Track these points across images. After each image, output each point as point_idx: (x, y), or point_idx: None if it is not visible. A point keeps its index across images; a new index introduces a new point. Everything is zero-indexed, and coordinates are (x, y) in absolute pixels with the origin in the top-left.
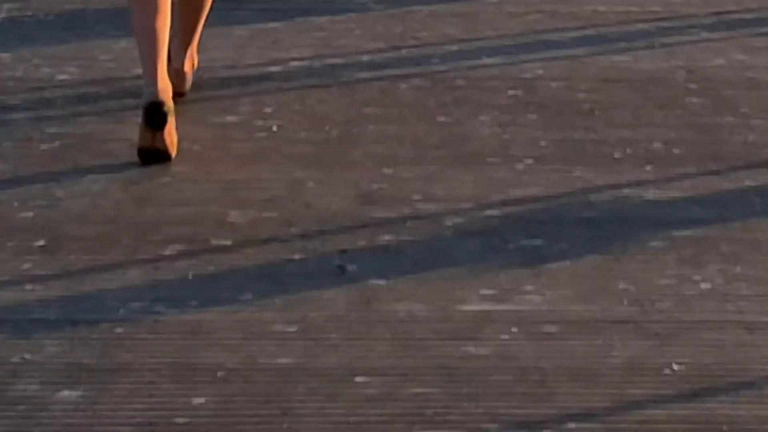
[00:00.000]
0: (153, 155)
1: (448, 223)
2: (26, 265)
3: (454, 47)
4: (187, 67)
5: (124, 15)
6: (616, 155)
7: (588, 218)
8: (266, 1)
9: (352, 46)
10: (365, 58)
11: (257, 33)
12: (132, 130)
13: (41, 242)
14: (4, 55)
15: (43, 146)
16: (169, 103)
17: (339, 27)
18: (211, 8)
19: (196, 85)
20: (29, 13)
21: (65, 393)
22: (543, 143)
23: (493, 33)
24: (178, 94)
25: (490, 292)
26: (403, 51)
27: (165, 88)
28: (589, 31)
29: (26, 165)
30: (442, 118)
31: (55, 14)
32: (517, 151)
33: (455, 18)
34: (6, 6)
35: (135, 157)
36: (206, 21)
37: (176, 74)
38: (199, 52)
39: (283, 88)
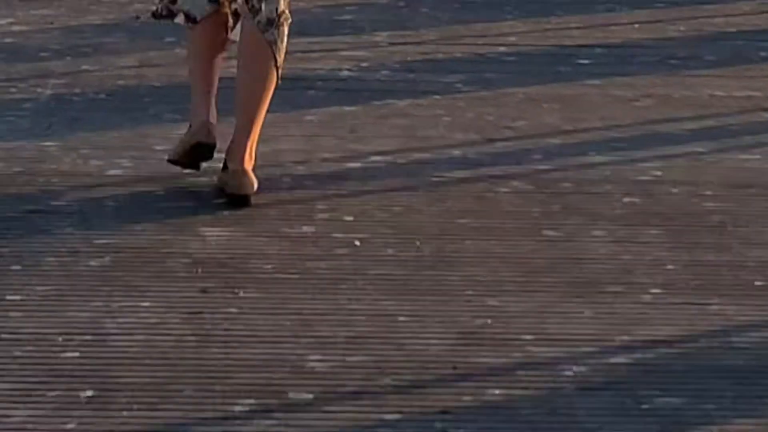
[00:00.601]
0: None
1: (567, 372)
2: (71, 425)
3: (557, 140)
4: (248, 164)
5: (181, 93)
6: (758, 282)
7: (733, 367)
8: (339, 80)
9: (440, 137)
10: (456, 152)
11: (331, 119)
12: (194, 241)
13: (88, 392)
14: (50, 144)
15: (92, 262)
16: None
17: (424, 113)
18: (276, 87)
19: (263, 184)
20: (77, 91)
21: None
22: (670, 266)
23: (600, 123)
24: (241, 199)
25: None
26: (499, 144)
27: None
28: (709, 122)
29: (72, 287)
30: (550, 232)
31: (106, 92)
32: (640, 276)
33: (555, 103)
34: (52, 82)
35: (198, 279)
36: (270, 103)
37: (236, 175)
38: (269, 141)
39: (363, 190)
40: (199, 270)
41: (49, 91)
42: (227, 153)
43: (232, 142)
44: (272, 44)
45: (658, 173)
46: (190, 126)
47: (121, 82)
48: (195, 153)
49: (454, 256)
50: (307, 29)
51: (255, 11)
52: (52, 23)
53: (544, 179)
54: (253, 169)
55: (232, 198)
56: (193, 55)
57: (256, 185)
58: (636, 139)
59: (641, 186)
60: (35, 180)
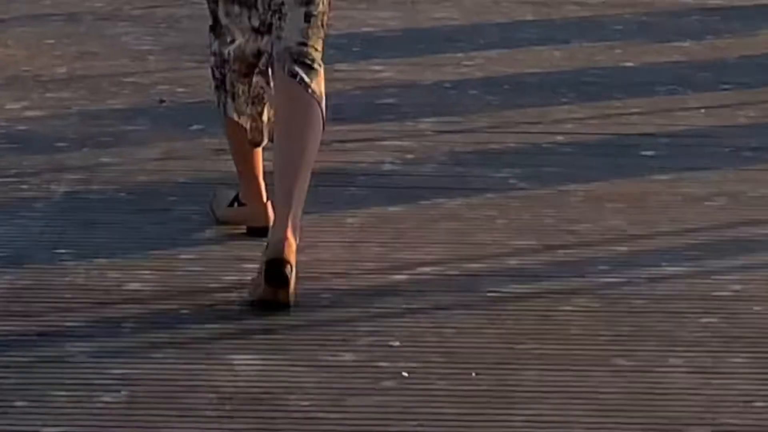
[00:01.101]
0: (274, 305)
1: None
2: None
3: (624, 247)
4: (291, 235)
5: (206, 191)
6: None
7: None
8: (382, 175)
9: (495, 243)
10: (513, 261)
11: (374, 221)
12: (222, 371)
13: None
14: (62, 251)
15: (107, 398)
16: (292, 260)
17: (476, 215)
18: (312, 185)
19: (300, 302)
20: (95, 188)
21: None
22: (758, 404)
23: (670, 226)
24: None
25: None
26: (560, 252)
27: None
28: None
29: (84, 429)
30: (621, 361)
31: (126, 189)
32: (727, 416)
33: (619, 202)
34: (67, 177)
35: (226, 419)
36: (307, 203)
37: (273, 238)
38: (300, 248)
39: (411, 308)
40: (228, 407)
41: (63, 189)
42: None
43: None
44: (306, 84)
45: (737, 287)
46: (240, 204)
47: (142, 178)
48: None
49: (515, 389)
50: (345, 115)
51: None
52: (69, 108)
53: (611, 295)
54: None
55: (267, 269)
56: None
57: (292, 264)
58: (710, 247)
59: (720, 304)
60: (45, 295)
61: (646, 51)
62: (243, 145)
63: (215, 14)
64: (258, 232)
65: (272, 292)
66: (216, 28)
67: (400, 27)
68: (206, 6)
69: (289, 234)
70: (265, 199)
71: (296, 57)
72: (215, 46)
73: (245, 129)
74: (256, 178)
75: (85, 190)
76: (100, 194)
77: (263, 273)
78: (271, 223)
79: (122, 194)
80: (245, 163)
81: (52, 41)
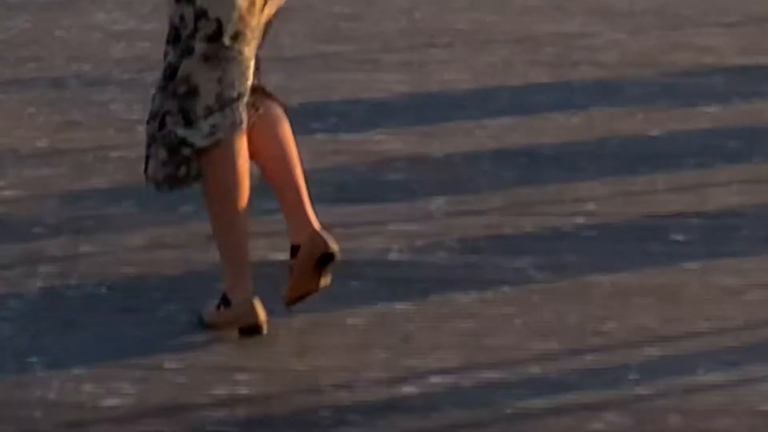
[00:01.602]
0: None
1: None
2: None
3: (656, 350)
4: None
5: (200, 286)
6: None
7: None
8: (389, 265)
9: (513, 347)
10: (534, 369)
11: (380, 322)
12: None
13: None
14: (34, 359)
15: None
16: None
17: (491, 312)
18: (316, 290)
19: (297, 420)
20: (73, 282)
21: None
22: None
23: (706, 325)
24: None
25: None
26: (586, 357)
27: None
28: None
29: None
30: None
31: (108, 285)
32: None
33: (648, 296)
34: (43, 269)
35: None
36: (309, 306)
37: (314, 239)
38: (304, 354)
39: (422, 426)
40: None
41: (38, 283)
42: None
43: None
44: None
45: None
46: (226, 304)
47: (126, 270)
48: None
49: None
50: (348, 194)
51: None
52: (49, 187)
53: (644, 409)
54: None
55: (324, 259)
56: (231, 190)
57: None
58: (751, 349)
59: (764, 417)
60: (11, 414)
61: (669, 117)
62: (240, 187)
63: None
64: (250, 331)
65: (316, 282)
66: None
67: (407, 91)
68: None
69: (318, 226)
70: (251, 291)
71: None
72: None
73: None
74: (244, 259)
75: (62, 285)
76: (79, 290)
77: (315, 263)
78: (262, 320)
79: (103, 290)
80: (235, 232)
81: (33, 109)
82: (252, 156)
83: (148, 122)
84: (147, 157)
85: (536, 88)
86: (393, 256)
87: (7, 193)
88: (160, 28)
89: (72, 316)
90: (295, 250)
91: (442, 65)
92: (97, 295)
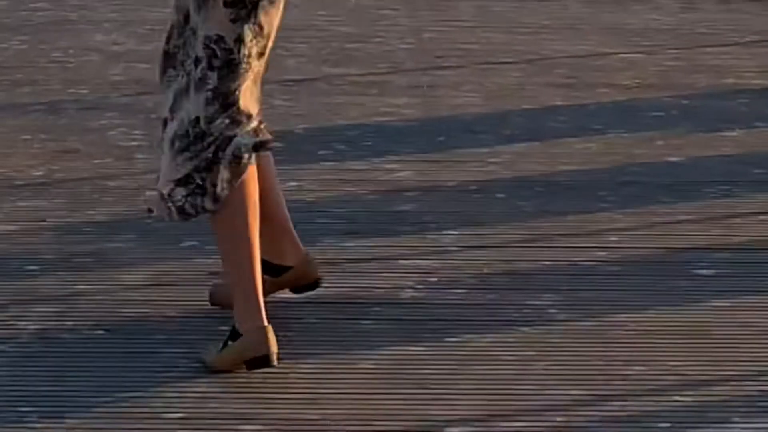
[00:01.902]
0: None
1: None
2: None
3: (686, 397)
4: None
5: (205, 328)
6: None
7: None
8: (402, 304)
9: (536, 394)
10: (558, 418)
11: (393, 367)
12: None
13: None
14: (26, 409)
15: None
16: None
17: (511, 355)
18: (321, 318)
19: None
20: (70, 324)
21: None
22: None
23: (738, 370)
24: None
25: None
26: (614, 405)
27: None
28: None
29: None
30: None
31: (106, 327)
32: None
33: (677, 337)
34: (37, 310)
35: None
36: (315, 341)
37: (309, 262)
38: (314, 402)
39: None
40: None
41: (32, 326)
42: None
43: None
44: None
45: None
46: (234, 338)
47: (125, 311)
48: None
49: None
50: (358, 227)
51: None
52: (44, 221)
53: None
54: None
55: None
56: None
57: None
58: None
59: None
60: None
61: (690, 142)
62: (254, 212)
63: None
64: (259, 363)
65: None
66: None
67: (416, 116)
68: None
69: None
70: (265, 320)
71: None
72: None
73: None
74: (256, 284)
75: (57, 327)
76: (75, 332)
77: (298, 287)
78: (273, 351)
79: (100, 332)
80: (250, 253)
81: (29, 136)
82: None
83: (190, 149)
84: (196, 188)
85: (550, 112)
86: (407, 294)
87: (1, 227)
88: (161, 48)
89: (67, 362)
90: (279, 269)
91: (452, 87)
92: (94, 338)
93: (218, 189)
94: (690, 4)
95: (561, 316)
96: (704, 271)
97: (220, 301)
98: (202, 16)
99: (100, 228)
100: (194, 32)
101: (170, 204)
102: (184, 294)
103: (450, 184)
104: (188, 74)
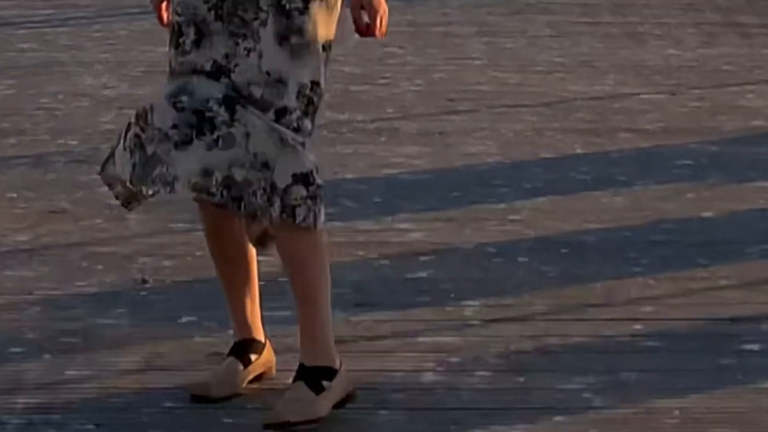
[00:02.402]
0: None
1: None
2: None
3: None
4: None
5: (200, 421)
6: None
7: None
8: (421, 389)
9: None
10: None
11: None
12: None
13: None
14: None
15: None
16: None
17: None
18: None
19: None
20: (56, 417)
21: None
22: None
23: None
24: None
25: None
26: None
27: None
28: None
29: None
30: None
31: (95, 420)
32: None
33: (727, 426)
34: (21, 401)
35: None
36: None
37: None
38: None
39: None
40: None
41: (15, 420)
42: None
43: None
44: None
45: None
46: (328, 376)
47: (116, 400)
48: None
49: None
50: (370, 298)
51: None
52: (30, 294)
53: None
54: None
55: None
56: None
57: None
58: None
59: None
60: None
61: (723, 194)
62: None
63: None
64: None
65: None
66: None
67: (428, 167)
68: None
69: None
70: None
71: None
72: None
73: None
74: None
75: (43, 420)
76: (61, 427)
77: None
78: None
79: (90, 427)
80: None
81: (14, 194)
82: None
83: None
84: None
85: (571, 161)
86: (427, 378)
87: None
88: (156, 92)
89: None
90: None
91: (464, 134)
92: None
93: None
94: (710, 39)
95: (597, 402)
96: (753, 346)
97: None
98: (296, 64)
99: (89, 301)
100: (283, 82)
101: (278, 200)
102: (181, 378)
103: (467, 246)
104: (276, 130)
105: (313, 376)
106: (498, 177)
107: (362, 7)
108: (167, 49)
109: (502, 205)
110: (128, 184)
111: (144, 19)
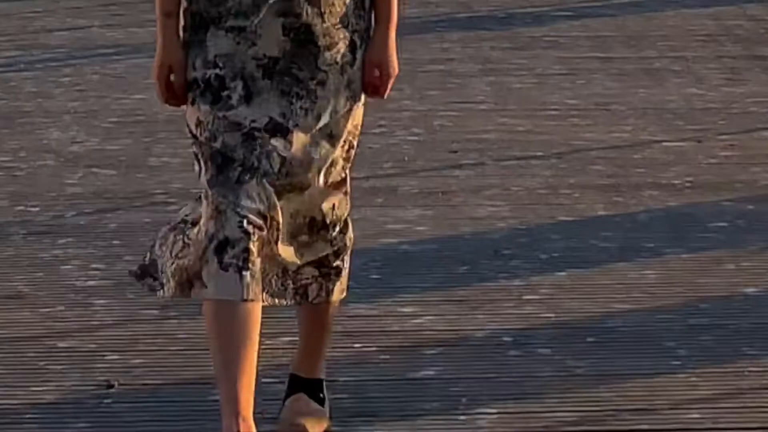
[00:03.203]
0: None
1: None
2: None
3: None
4: None
5: None
6: None
7: None
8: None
9: None
10: None
11: None
12: None
13: None
14: None
15: None
16: None
17: None
18: None
19: None
20: None
21: None
22: None
23: None
24: None
25: None
26: None
27: None
28: None
29: None
30: None
31: None
32: None
33: None
34: None
35: None
36: None
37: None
38: None
39: None
40: None
41: None
42: None
43: None
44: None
45: None
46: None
47: None
48: None
49: None
50: (371, 403)
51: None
52: None
53: None
54: None
55: None
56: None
57: None
58: None
59: None
60: None
61: (766, 264)
62: None
63: None
64: None
65: None
66: None
67: (432, 234)
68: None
69: None
70: None
71: None
72: None
73: None
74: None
75: None
76: None
77: None
78: None
79: None
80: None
81: None
82: None
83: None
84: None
85: (592, 225)
86: None
87: None
88: (131, 146)
89: None
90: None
91: (471, 193)
92: None
93: None
94: (733, 75)
95: None
96: None
97: None
98: (352, 116)
99: (45, 413)
100: (338, 138)
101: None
102: None
103: (480, 334)
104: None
105: (313, 387)
106: (510, 245)
107: (377, 67)
108: (193, 105)
109: (516, 282)
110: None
111: (118, 62)
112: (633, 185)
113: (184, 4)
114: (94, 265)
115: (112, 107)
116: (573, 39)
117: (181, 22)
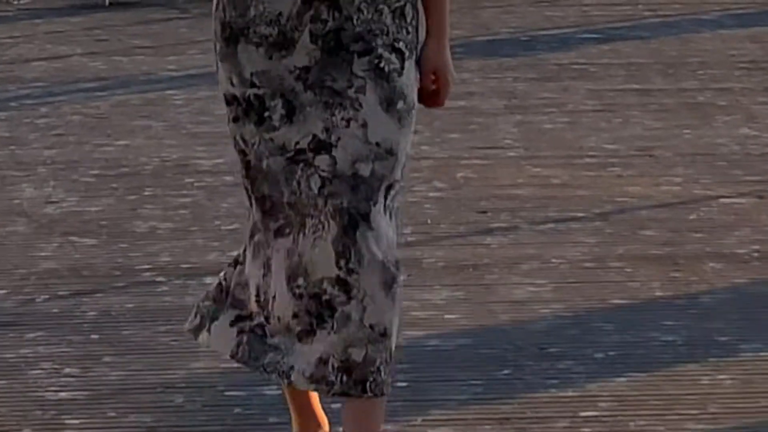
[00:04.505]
0: None
1: None
2: None
3: None
4: None
5: None
6: None
7: None
8: None
9: None
10: None
11: None
12: None
13: None
14: None
15: None
16: None
17: None
18: None
19: None
20: None
21: None
22: None
23: None
24: None
25: None
26: None
27: None
28: None
29: None
30: None
31: None
32: None
33: None
34: None
35: None
36: None
37: None
38: None
39: None
40: None
41: None
42: None
43: None
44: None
45: None
46: None
47: None
48: None
49: None
50: None
51: None
52: None
53: None
54: None
55: None
56: None
57: None
58: None
59: None
60: None
61: None
62: None
63: None
64: None
65: None
66: None
67: (464, 326)
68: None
69: None
70: None
71: None
72: None
73: None
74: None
75: None
76: None
77: None
78: None
79: None
80: None
81: None
82: None
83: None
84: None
85: (650, 312)
86: None
87: None
88: (114, 207)
89: None
90: None
91: (506, 268)
92: None
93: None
94: None
95: None
96: None
97: None
98: (404, 132)
99: None
100: (393, 153)
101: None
102: None
103: (489, 426)
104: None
105: None
106: (557, 340)
107: (434, 73)
108: (236, 122)
109: (569, 391)
110: (229, 356)
111: (101, 98)
112: (692, 256)
113: (212, 7)
114: (67, 371)
115: (93, 155)
116: (604, 67)
117: (212, 27)
